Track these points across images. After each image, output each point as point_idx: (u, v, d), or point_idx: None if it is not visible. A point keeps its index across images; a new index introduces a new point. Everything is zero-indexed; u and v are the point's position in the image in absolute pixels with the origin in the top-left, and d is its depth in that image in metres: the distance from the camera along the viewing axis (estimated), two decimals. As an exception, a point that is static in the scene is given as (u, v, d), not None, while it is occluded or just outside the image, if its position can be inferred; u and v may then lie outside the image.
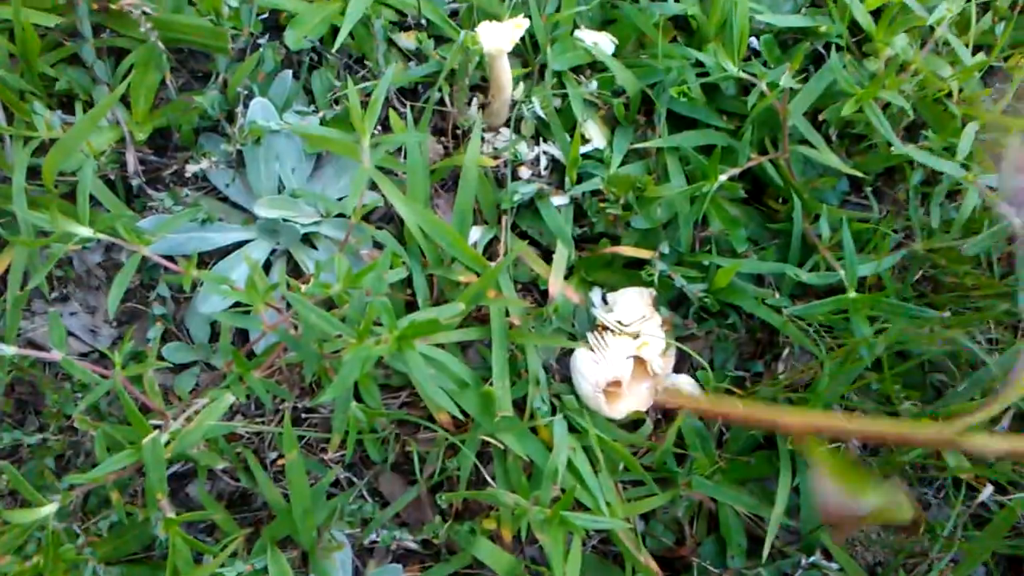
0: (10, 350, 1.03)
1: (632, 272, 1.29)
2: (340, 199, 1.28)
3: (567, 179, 1.29)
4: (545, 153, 1.33)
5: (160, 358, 1.24)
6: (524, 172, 1.31)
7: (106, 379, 1.05)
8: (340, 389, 0.91)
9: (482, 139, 1.27)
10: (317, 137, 1.17)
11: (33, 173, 1.21)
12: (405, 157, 1.24)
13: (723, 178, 1.22)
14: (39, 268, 1.11)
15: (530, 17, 1.25)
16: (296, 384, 1.28)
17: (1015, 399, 0.91)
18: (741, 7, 1.23)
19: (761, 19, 1.27)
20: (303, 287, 1.06)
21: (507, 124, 1.32)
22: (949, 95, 1.24)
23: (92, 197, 1.18)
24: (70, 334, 1.28)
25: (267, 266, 1.30)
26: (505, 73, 1.20)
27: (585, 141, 1.31)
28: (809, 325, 1.23)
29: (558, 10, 1.28)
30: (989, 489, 1.18)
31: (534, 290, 1.32)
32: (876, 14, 1.28)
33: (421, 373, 0.93)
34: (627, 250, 1.26)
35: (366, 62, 1.34)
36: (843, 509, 0.91)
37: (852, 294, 1.12)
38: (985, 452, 0.98)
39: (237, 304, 1.24)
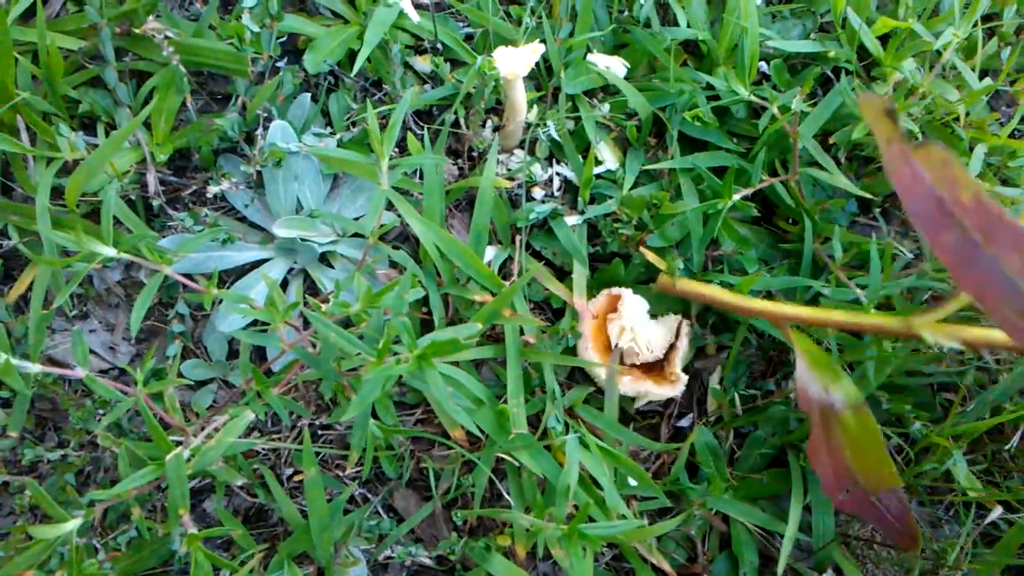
0: (35, 368, 1.04)
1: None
2: (357, 219, 1.30)
3: (580, 199, 1.31)
4: (558, 174, 1.35)
5: (179, 375, 1.26)
6: (538, 193, 1.33)
7: (128, 396, 1.07)
8: (360, 407, 0.93)
9: (497, 161, 1.29)
10: (336, 159, 1.19)
11: (55, 193, 1.23)
12: (421, 178, 1.26)
13: (736, 198, 1.24)
14: (62, 287, 1.13)
15: (544, 42, 1.28)
16: (313, 401, 1.30)
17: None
18: (751, 33, 1.26)
19: (771, 44, 1.29)
20: (323, 306, 1.08)
21: (521, 146, 1.34)
22: (956, 119, 1.26)
23: (114, 217, 1.20)
24: (90, 351, 1.29)
25: (284, 284, 1.31)
26: (520, 97, 1.22)
27: (598, 163, 1.33)
28: (819, 343, 1.24)
29: (572, 35, 1.31)
30: (999, 509, 1.19)
31: (547, 308, 1.34)
32: (884, 39, 1.30)
33: (440, 392, 0.95)
34: (648, 254, 1.27)
35: (383, 85, 1.37)
36: (818, 398, 0.99)
37: (872, 312, 1.14)
38: (940, 342, 1.01)
39: (255, 322, 1.26)
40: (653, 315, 1.29)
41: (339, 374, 1.12)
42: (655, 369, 1.29)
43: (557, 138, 1.28)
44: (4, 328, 1.12)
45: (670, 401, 1.33)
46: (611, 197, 1.29)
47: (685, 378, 1.24)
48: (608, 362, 1.21)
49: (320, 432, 1.28)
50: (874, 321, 1.02)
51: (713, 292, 1.21)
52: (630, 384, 1.22)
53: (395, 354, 0.96)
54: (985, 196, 0.80)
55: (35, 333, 1.15)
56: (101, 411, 1.17)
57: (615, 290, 1.26)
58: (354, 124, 1.34)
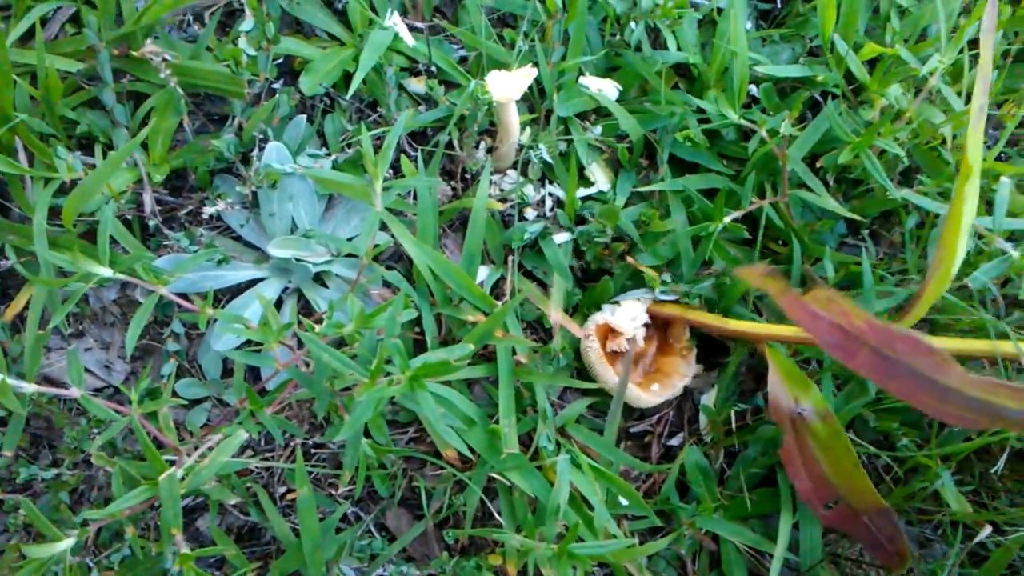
0: (30, 388, 1.05)
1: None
2: (351, 239, 1.32)
3: (563, 216, 1.32)
4: (551, 195, 1.37)
5: (173, 394, 1.26)
6: (530, 213, 1.34)
7: (122, 416, 1.08)
8: (353, 428, 0.94)
9: (490, 182, 1.30)
10: (331, 181, 1.21)
11: (52, 212, 1.24)
12: (415, 199, 1.27)
13: (727, 220, 1.25)
14: (59, 307, 1.14)
15: (537, 65, 1.30)
16: (306, 420, 1.31)
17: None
18: (741, 57, 1.28)
19: (760, 69, 1.31)
20: (316, 327, 1.09)
21: (514, 167, 1.36)
22: (943, 142, 1.28)
23: (110, 236, 1.22)
24: (85, 370, 1.30)
25: (278, 304, 1.33)
26: (513, 119, 1.24)
27: (590, 184, 1.35)
28: (807, 363, 1.26)
29: (564, 58, 1.33)
30: (987, 529, 1.20)
31: (539, 328, 1.35)
32: (872, 63, 1.32)
33: (432, 413, 0.96)
34: (639, 266, 1.29)
35: (378, 106, 1.38)
36: (788, 408, 1.05)
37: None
38: None
39: (249, 341, 1.26)
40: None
41: (332, 394, 1.13)
42: (660, 368, 1.31)
43: (549, 160, 1.30)
44: (0, 347, 1.13)
45: (661, 418, 1.34)
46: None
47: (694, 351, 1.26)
48: (616, 384, 1.23)
49: (313, 451, 1.29)
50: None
51: (697, 316, 1.24)
52: (642, 395, 1.24)
53: (388, 375, 0.97)
54: (873, 318, 0.97)
55: (31, 353, 1.16)
56: (96, 430, 1.18)
57: (599, 317, 1.27)
58: (349, 145, 1.35)
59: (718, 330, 1.26)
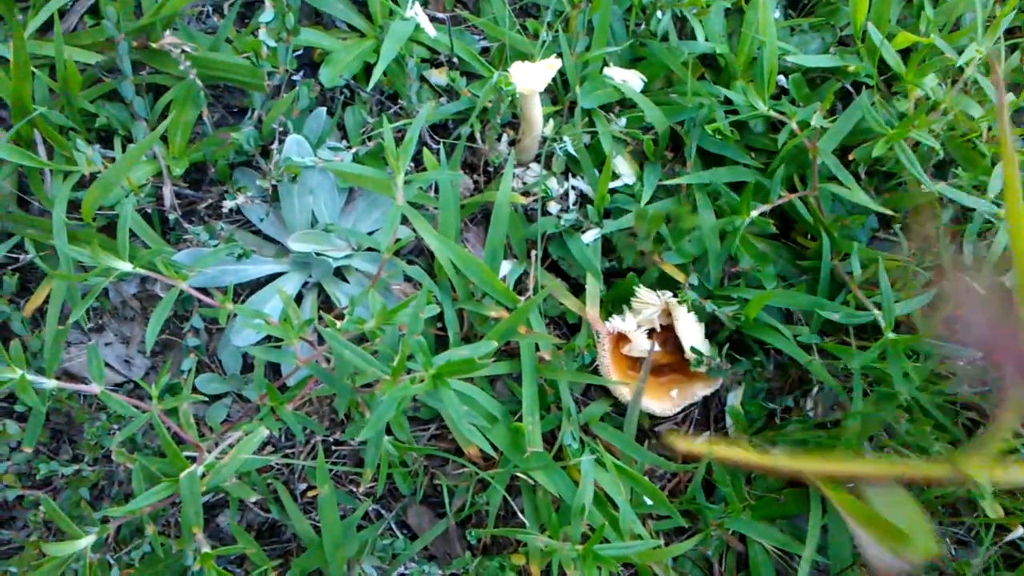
0: (50, 383, 1.04)
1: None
2: (371, 232, 1.30)
3: (593, 212, 1.29)
4: (574, 188, 1.34)
5: (193, 389, 1.25)
6: (553, 207, 1.32)
7: (143, 412, 1.07)
8: (375, 427, 0.92)
9: (513, 175, 1.28)
10: (351, 174, 1.19)
11: (71, 206, 1.23)
12: (437, 192, 1.25)
13: (754, 214, 1.23)
14: (79, 302, 1.13)
15: (561, 56, 1.27)
16: (327, 416, 1.29)
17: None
18: (770, 47, 1.25)
19: (790, 59, 1.28)
20: (338, 323, 1.07)
21: (537, 160, 1.34)
22: (980, 135, 1.25)
23: (130, 230, 1.20)
24: (105, 364, 1.29)
25: (299, 298, 1.31)
26: (536, 112, 1.21)
27: (615, 177, 1.32)
28: (838, 360, 1.23)
29: (588, 49, 1.30)
30: (1020, 530, 1.17)
31: (563, 324, 1.33)
32: (905, 53, 1.29)
33: (456, 411, 0.94)
34: (665, 266, 1.26)
35: (399, 98, 1.36)
36: (892, 565, 0.90)
37: (890, 335, 1.12)
38: (997, 485, 0.97)
39: (270, 337, 1.25)
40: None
41: (353, 391, 1.11)
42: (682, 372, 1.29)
43: (573, 153, 1.27)
44: (20, 342, 1.13)
45: (687, 416, 1.32)
46: (628, 211, 1.28)
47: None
48: (631, 386, 1.20)
49: (334, 447, 1.28)
50: (921, 472, 0.99)
51: (736, 455, 1.19)
52: (654, 404, 1.22)
53: (409, 372, 0.95)
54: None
55: (51, 348, 1.15)
56: (116, 426, 1.17)
57: (612, 324, 1.24)
58: (370, 138, 1.33)
59: (762, 469, 1.18)
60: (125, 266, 1.10)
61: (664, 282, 1.28)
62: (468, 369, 0.95)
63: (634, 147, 1.36)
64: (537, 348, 1.21)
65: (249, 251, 1.21)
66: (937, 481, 0.99)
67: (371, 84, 1.26)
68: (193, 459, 1.08)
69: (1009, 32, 1.31)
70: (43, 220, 1.23)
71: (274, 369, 1.31)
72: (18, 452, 1.18)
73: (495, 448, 1.15)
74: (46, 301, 1.24)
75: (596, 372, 1.24)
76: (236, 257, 1.20)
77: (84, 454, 1.19)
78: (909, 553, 0.93)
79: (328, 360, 1.17)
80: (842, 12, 1.36)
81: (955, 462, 0.95)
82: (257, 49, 1.18)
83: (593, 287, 1.26)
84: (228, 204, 1.22)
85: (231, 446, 1.10)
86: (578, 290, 1.30)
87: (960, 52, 1.24)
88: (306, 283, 1.31)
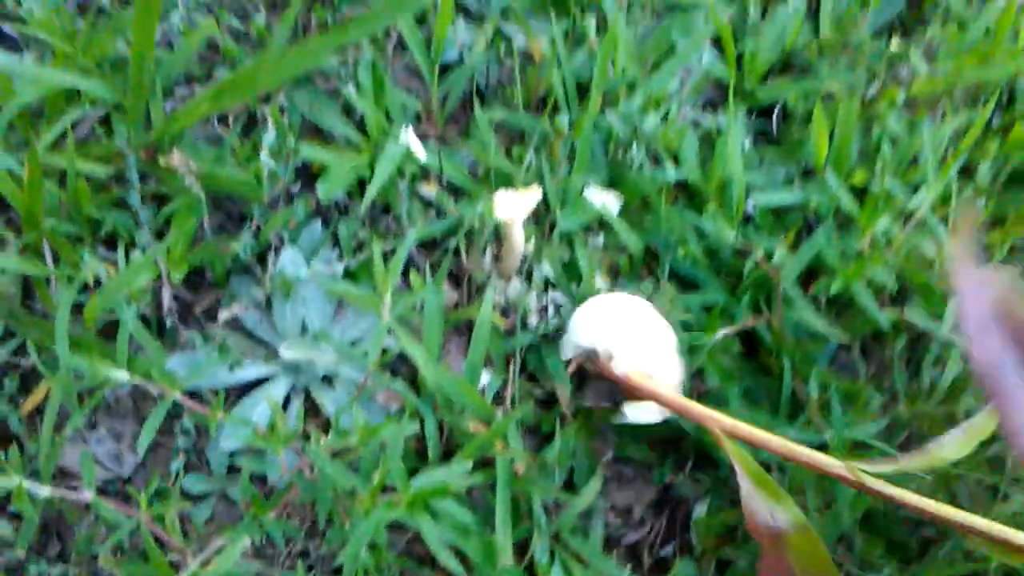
0: (45, 491, 1.10)
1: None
2: (357, 341, 1.37)
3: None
4: (552, 301, 1.42)
5: (180, 491, 1.30)
6: (532, 319, 1.39)
7: (131, 517, 1.13)
8: (354, 550, 0.98)
9: (494, 288, 1.36)
10: (342, 291, 1.26)
11: (73, 306, 1.29)
12: (422, 307, 1.32)
13: (720, 334, 1.30)
14: (76, 409, 1.19)
15: (543, 180, 1.36)
16: (308, 517, 1.34)
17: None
18: (738, 180, 1.34)
19: (755, 199, 1.37)
20: (323, 438, 1.14)
21: (519, 273, 1.41)
22: (932, 265, 1.33)
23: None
24: (96, 461, 1.34)
25: (286, 400, 1.37)
26: (518, 235, 1.29)
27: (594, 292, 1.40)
28: (800, 483, 1.29)
29: (569, 174, 1.39)
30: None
31: (537, 433, 1.39)
32: (863, 189, 1.38)
33: (430, 534, 1.00)
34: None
35: (390, 210, 1.44)
36: (766, 522, 1.00)
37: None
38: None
39: (257, 440, 1.30)
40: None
41: (335, 500, 1.17)
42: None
43: (552, 277, 1.35)
44: (18, 444, 1.18)
45: (652, 527, 1.38)
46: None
47: None
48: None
49: (312, 550, 1.32)
50: (812, 458, 1.07)
51: (665, 394, 1.24)
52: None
53: (388, 489, 1.02)
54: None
55: (47, 455, 1.20)
56: (104, 529, 1.22)
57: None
58: (360, 247, 1.41)
59: (684, 413, 1.22)
60: (123, 375, 1.16)
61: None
62: (444, 492, 1.01)
63: (610, 263, 1.44)
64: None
65: (242, 360, 1.27)
66: (827, 472, 1.06)
67: (364, 205, 1.34)
68: (177, 565, 1.13)
69: (963, 171, 1.41)
70: (45, 322, 1.29)
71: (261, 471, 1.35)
72: (9, 549, 1.22)
73: (468, 560, 1.20)
74: (44, 399, 1.29)
75: (571, 486, 1.30)
76: (229, 367, 1.26)
77: (71, 553, 1.23)
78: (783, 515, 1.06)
79: (312, 468, 1.23)
80: (807, 144, 1.46)
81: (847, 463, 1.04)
82: (259, 173, 1.26)
83: (565, 398, 1.33)
84: (224, 315, 1.29)
85: (216, 552, 1.15)
86: (554, 400, 1.37)
87: (916, 189, 1.33)
88: (294, 386, 1.37)
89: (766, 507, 1.11)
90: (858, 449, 1.27)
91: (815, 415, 1.27)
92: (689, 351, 1.35)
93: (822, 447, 1.25)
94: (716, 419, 1.15)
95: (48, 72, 1.30)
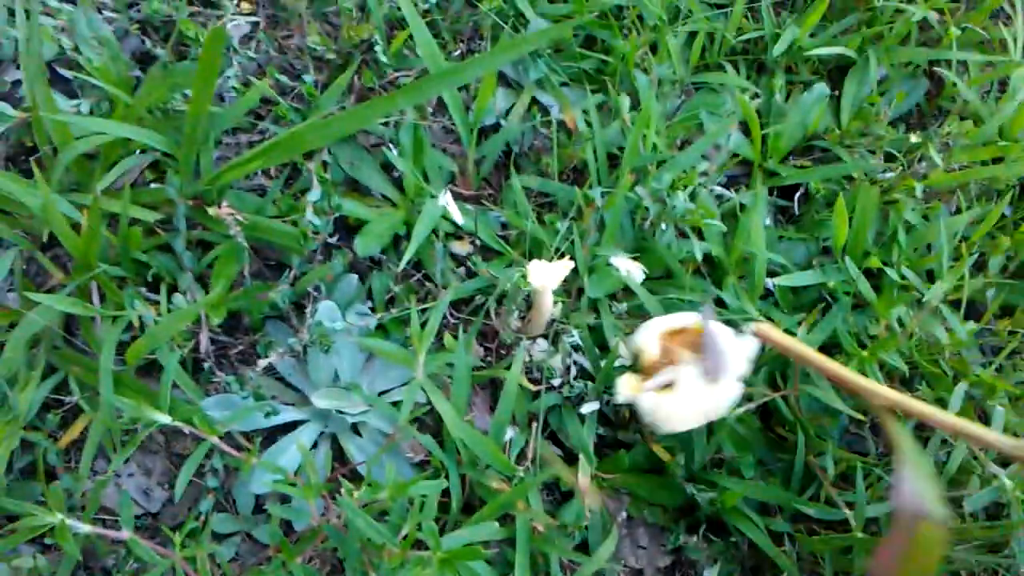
0: (85, 528, 1.14)
1: (651, 477, 1.41)
2: (386, 392, 1.41)
3: (593, 388, 1.42)
4: (575, 363, 1.47)
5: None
6: (556, 380, 1.44)
7: (163, 557, 1.16)
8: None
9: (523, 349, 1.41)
10: (376, 347, 1.31)
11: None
12: (451, 364, 1.37)
13: (739, 411, 1.35)
14: (119, 449, 1.23)
15: (574, 248, 1.42)
16: (330, 561, 1.38)
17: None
18: (759, 258, 1.40)
19: (776, 281, 1.43)
20: (355, 491, 1.18)
21: (545, 336, 1.46)
22: (943, 352, 1.39)
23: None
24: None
25: (313, 444, 1.41)
26: (548, 302, 1.35)
27: (617, 357, 1.45)
28: (812, 554, 1.33)
29: (598, 244, 1.45)
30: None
31: (556, 490, 1.43)
32: (879, 272, 1.44)
33: (457, 594, 1.04)
34: (655, 447, 1.38)
35: (422, 267, 1.50)
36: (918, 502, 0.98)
37: (859, 534, 1.24)
38: None
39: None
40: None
41: (362, 551, 1.20)
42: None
43: (579, 342, 1.40)
44: (54, 478, 1.22)
45: (664, 590, 1.41)
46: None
47: None
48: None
49: (334, 596, 1.36)
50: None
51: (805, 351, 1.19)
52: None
53: (418, 545, 1.06)
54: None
55: (91, 495, 1.24)
56: (136, 564, 1.25)
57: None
58: (392, 300, 1.47)
59: (828, 374, 1.16)
60: (164, 419, 1.21)
61: (653, 462, 1.40)
62: (473, 556, 1.05)
63: (633, 329, 1.49)
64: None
65: (277, 409, 1.32)
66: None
67: (402, 264, 1.39)
68: (207, 607, 1.16)
69: (977, 263, 1.47)
70: (87, 359, 1.34)
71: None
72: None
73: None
74: (82, 433, 1.34)
75: (585, 545, 1.34)
76: (264, 415, 1.31)
77: (101, 587, 1.27)
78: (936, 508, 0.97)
79: (339, 516, 1.27)
80: (826, 224, 1.52)
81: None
82: (304, 232, 1.32)
83: (585, 462, 1.37)
84: (261, 363, 1.33)
85: (243, 596, 1.18)
86: (574, 458, 1.41)
87: (929, 272, 1.39)
88: (322, 432, 1.41)
89: (917, 488, 1.03)
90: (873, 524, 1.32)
91: (831, 491, 1.31)
92: (708, 423, 1.39)
93: (842, 523, 1.30)
94: (881, 393, 1.12)
95: (106, 124, 1.36)
